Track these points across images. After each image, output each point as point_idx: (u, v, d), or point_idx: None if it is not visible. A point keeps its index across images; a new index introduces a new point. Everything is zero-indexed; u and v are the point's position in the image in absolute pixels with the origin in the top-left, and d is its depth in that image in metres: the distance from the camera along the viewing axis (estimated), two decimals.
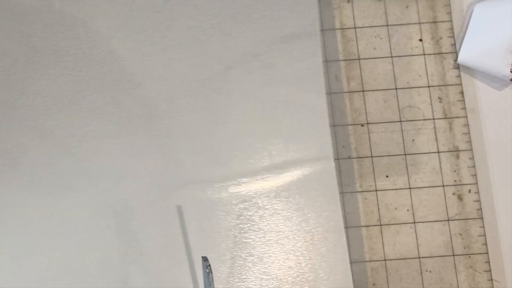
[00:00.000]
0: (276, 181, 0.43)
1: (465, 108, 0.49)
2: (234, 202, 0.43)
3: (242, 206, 0.43)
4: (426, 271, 0.46)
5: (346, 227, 0.47)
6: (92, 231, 0.42)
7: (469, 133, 0.48)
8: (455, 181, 0.48)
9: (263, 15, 0.45)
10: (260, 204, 0.43)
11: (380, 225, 0.47)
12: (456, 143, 0.48)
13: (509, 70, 0.47)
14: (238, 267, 0.42)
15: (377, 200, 0.47)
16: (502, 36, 0.48)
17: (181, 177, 0.43)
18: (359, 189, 0.47)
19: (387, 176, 0.48)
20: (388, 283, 0.46)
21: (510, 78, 0.48)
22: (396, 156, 0.48)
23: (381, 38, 0.50)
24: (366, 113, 0.49)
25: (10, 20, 0.44)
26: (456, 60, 0.49)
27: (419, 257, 0.47)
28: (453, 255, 0.47)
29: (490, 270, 0.46)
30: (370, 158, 0.48)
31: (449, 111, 0.49)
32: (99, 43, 0.44)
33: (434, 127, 0.48)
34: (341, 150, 0.48)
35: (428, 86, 0.49)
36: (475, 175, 0.48)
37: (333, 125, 0.48)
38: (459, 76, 0.49)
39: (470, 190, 0.47)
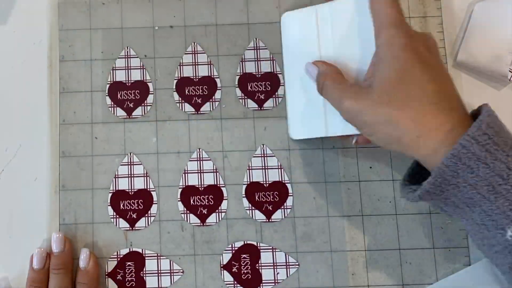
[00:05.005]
0: None
1: None
2: None
3: None
4: (406, 262, 0.47)
5: (328, 216, 0.47)
6: None
7: None
8: None
9: None
10: None
11: (362, 215, 0.47)
12: None
13: (508, 70, 0.48)
14: None
15: (360, 190, 0.48)
16: (501, 37, 0.48)
17: None
18: (343, 179, 0.48)
19: (370, 167, 0.48)
20: (368, 274, 0.46)
21: (510, 78, 0.48)
22: (380, 148, 0.48)
23: None
24: None
25: None
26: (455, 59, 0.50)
27: (399, 249, 0.47)
28: (434, 248, 0.47)
29: (470, 264, 0.46)
30: (355, 148, 0.48)
31: None
32: None
33: None
34: (325, 140, 0.48)
35: None
36: None
37: None
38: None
39: None
